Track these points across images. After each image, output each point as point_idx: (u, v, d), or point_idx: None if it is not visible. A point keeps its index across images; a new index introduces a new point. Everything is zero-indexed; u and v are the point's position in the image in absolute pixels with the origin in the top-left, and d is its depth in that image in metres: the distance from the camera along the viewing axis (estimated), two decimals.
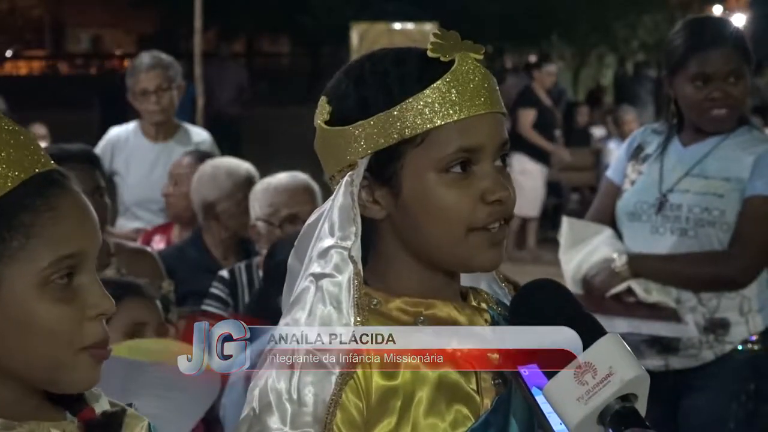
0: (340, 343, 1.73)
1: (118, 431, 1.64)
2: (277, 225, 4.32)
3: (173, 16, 28.01)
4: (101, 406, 1.67)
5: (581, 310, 1.72)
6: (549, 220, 12.23)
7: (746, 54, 3.76)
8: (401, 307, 1.80)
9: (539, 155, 11.75)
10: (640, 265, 3.73)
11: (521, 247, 11.85)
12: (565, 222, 3.96)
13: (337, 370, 1.72)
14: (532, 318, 1.72)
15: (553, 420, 1.63)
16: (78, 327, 1.58)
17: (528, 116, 11.72)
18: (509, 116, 11.42)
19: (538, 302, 1.74)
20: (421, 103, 1.75)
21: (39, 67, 39.18)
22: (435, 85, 1.76)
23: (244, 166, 4.99)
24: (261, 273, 4.35)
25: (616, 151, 6.79)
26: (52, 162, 1.64)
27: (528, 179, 11.55)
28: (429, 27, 14.16)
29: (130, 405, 1.70)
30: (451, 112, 1.75)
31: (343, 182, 1.79)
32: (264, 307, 3.60)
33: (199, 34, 9.35)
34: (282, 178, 4.43)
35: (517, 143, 11.00)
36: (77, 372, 1.59)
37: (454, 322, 1.81)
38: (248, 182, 4.79)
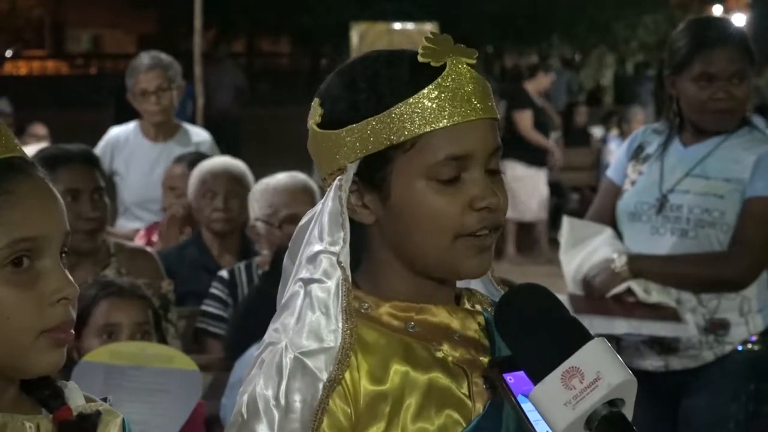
0: (328, 349, 1.72)
1: None
2: (276, 225, 4.31)
3: (173, 16, 28.03)
4: (75, 401, 1.66)
5: (566, 314, 1.70)
6: (549, 220, 12.22)
7: (750, 55, 3.76)
8: (391, 312, 1.78)
9: (534, 159, 11.61)
10: (640, 266, 3.72)
11: (526, 250, 11.85)
12: (566, 222, 3.96)
13: (324, 377, 1.71)
14: (516, 324, 1.71)
15: (540, 428, 1.62)
16: (38, 311, 1.58)
17: (525, 118, 11.61)
18: (503, 120, 11.40)
19: (521, 307, 1.72)
20: (411, 108, 1.73)
21: (39, 67, 39.19)
22: (425, 90, 1.73)
23: (212, 160, 4.99)
24: (261, 273, 4.35)
25: (616, 151, 6.78)
26: (19, 148, 1.64)
27: (522, 185, 11.45)
28: (429, 27, 14.14)
29: (105, 399, 1.70)
30: (440, 118, 1.73)
31: (333, 186, 1.78)
32: (263, 303, 3.59)
33: (199, 34, 9.34)
34: (281, 178, 4.43)
35: (509, 149, 10.87)
36: (38, 356, 1.59)
37: (446, 327, 1.79)
38: (214, 175, 4.77)
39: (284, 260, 1.87)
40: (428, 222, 1.74)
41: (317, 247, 1.77)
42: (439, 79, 1.74)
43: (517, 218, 11.35)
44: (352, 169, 1.77)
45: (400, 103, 1.73)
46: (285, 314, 1.77)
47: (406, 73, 1.75)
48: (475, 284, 1.90)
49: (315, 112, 1.81)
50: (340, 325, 1.73)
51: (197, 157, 5.23)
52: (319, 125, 1.80)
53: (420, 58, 1.75)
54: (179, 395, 3.17)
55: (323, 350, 1.72)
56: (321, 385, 1.70)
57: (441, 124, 1.73)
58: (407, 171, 1.74)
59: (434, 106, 1.73)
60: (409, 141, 1.73)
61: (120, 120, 6.51)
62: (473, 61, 1.77)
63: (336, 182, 1.77)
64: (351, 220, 1.78)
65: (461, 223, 1.74)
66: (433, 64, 1.74)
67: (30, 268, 1.59)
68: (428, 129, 1.73)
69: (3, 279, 1.58)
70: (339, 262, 1.75)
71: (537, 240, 11.95)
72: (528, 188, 11.52)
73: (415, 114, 1.73)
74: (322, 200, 1.80)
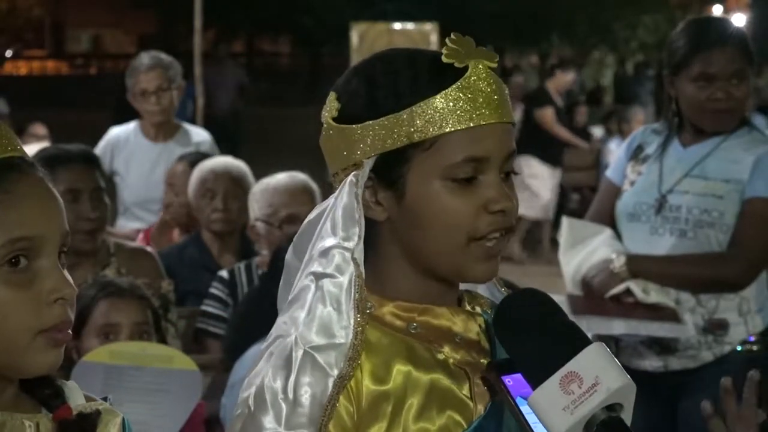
0: (339, 345, 1.72)
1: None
2: (276, 225, 4.32)
3: (173, 16, 28.01)
4: (75, 401, 1.67)
5: (565, 319, 1.71)
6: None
7: (749, 55, 3.75)
8: (394, 312, 1.79)
9: (550, 157, 11.66)
10: (639, 266, 3.72)
11: (532, 250, 11.83)
12: (565, 222, 3.96)
13: (335, 373, 1.71)
14: (515, 328, 1.71)
15: (539, 430, 1.62)
16: (35, 311, 1.59)
17: (548, 114, 11.69)
18: (523, 117, 11.48)
19: (521, 311, 1.72)
20: (432, 108, 1.73)
21: (39, 67, 39.17)
22: (447, 91, 1.74)
23: (213, 160, 5.00)
24: (261, 273, 4.36)
25: (616, 151, 6.77)
26: (19, 148, 1.65)
27: (538, 183, 11.48)
28: (429, 27, 14.14)
29: (105, 399, 1.70)
30: (461, 119, 1.73)
31: (348, 182, 1.77)
32: (263, 304, 3.60)
33: (199, 34, 9.35)
34: (281, 178, 4.44)
35: (527, 146, 10.93)
36: (35, 356, 1.60)
37: (447, 329, 1.79)
38: (215, 175, 4.78)
39: (287, 255, 1.87)
40: (442, 221, 1.75)
41: (330, 242, 1.77)
42: (461, 81, 1.75)
43: (521, 214, 11.31)
44: (368, 165, 1.77)
45: (421, 103, 1.74)
46: (294, 307, 1.77)
47: (427, 73, 1.76)
48: (478, 286, 1.90)
49: (331, 106, 1.81)
50: (352, 321, 1.73)
51: (199, 156, 5.24)
52: (335, 119, 1.80)
53: (444, 59, 1.75)
54: (179, 395, 3.17)
55: (334, 346, 1.72)
56: (331, 381, 1.71)
57: (461, 126, 1.74)
58: (424, 170, 1.75)
59: (455, 107, 1.74)
60: (428, 141, 1.74)
61: (120, 120, 6.52)
62: (494, 65, 1.78)
63: (351, 178, 1.77)
64: None
65: (474, 224, 1.75)
66: (456, 65, 1.75)
67: (27, 268, 1.60)
68: (448, 130, 1.73)
69: (0, 279, 1.58)
70: (353, 258, 1.75)
71: (540, 240, 11.95)
72: (539, 186, 11.54)
73: (436, 114, 1.74)
74: (335, 195, 1.80)
